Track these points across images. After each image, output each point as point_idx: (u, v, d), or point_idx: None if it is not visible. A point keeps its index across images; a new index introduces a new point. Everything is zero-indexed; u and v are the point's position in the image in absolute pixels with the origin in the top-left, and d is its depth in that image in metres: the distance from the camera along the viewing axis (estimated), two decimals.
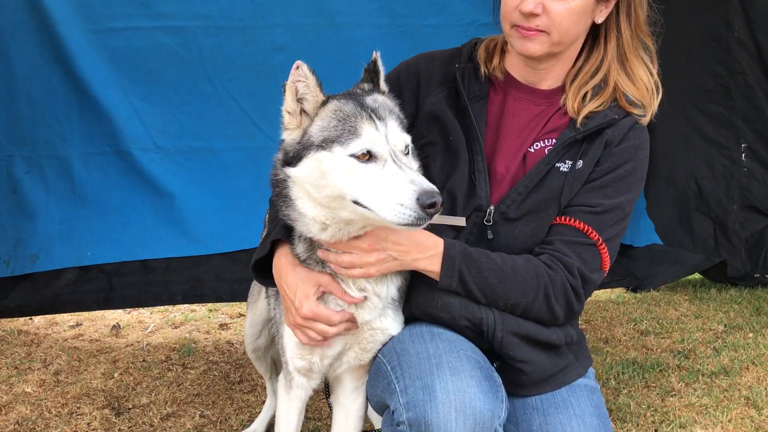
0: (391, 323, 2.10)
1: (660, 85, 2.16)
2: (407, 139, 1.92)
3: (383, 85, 2.07)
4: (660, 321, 4.47)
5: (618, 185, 2.09)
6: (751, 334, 4.16)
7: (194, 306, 5.00)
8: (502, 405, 1.90)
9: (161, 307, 4.89)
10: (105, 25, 4.33)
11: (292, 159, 1.92)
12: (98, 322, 4.70)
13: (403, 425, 1.85)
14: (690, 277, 5.43)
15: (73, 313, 4.71)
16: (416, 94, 2.24)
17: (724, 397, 3.35)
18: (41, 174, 4.41)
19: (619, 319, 4.57)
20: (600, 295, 5.21)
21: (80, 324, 4.64)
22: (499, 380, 1.97)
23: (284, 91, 1.94)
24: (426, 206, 1.70)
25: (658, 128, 5.20)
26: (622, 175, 2.09)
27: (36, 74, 4.31)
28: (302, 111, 1.94)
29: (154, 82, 4.44)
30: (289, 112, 1.94)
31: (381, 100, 1.97)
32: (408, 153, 1.91)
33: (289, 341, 2.14)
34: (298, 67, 1.89)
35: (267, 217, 2.52)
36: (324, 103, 1.93)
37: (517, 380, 2.13)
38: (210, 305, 4.99)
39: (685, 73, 5.17)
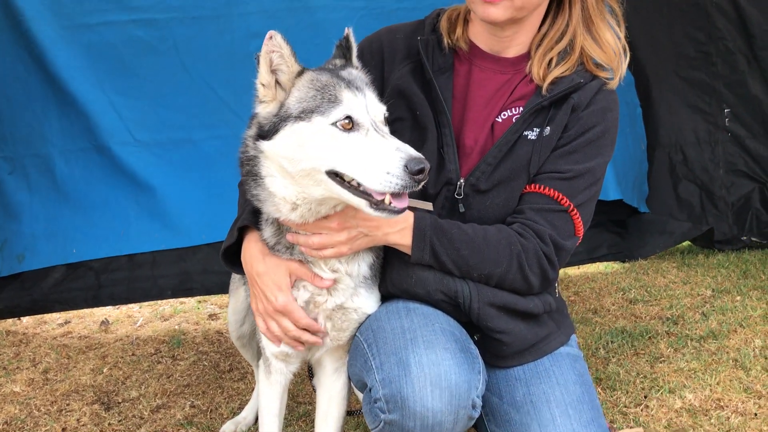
0: (364, 302, 2.09)
1: (627, 47, 2.14)
2: (384, 110, 1.90)
3: (356, 61, 2.03)
4: (648, 289, 4.47)
5: (587, 150, 2.07)
6: (738, 297, 4.17)
7: (184, 298, 4.98)
8: (478, 377, 1.90)
9: (150, 301, 4.87)
10: (78, 20, 4.29)
11: (268, 132, 1.87)
12: (87, 318, 4.69)
13: (381, 402, 1.85)
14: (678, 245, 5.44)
15: (61, 312, 4.69)
16: (381, 70, 2.22)
17: (713, 360, 3.36)
18: (24, 173, 4.39)
19: (608, 288, 4.57)
20: (589, 266, 5.21)
21: (69, 321, 4.63)
22: (476, 352, 1.97)
23: (257, 62, 1.88)
24: (414, 173, 1.67)
25: (640, 97, 5.24)
26: (591, 139, 2.08)
27: (13, 74, 4.27)
28: (277, 83, 1.89)
29: (130, 76, 4.40)
30: (263, 85, 1.89)
31: (356, 73, 1.95)
32: (386, 125, 1.90)
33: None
34: (271, 37, 1.85)
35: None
36: (299, 74, 1.89)
37: (498, 351, 2.13)
38: (199, 297, 4.98)
39: (666, 41, 5.17)
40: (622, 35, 2.15)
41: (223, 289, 4.62)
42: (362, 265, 2.06)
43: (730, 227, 5.19)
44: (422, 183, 1.70)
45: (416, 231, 1.97)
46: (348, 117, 1.78)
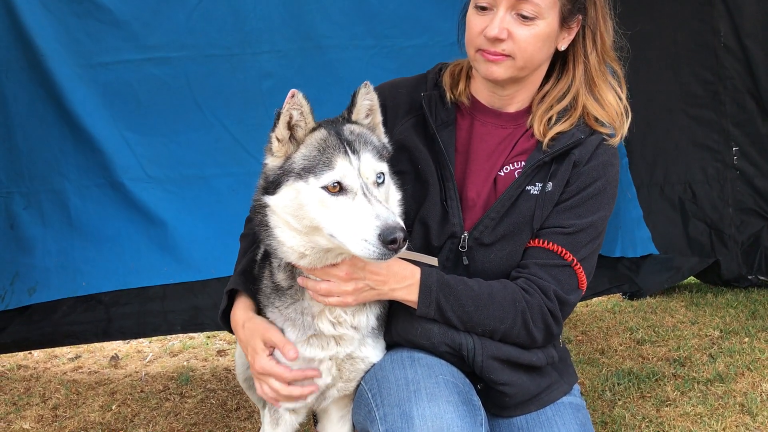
0: (371, 351, 2.12)
1: (629, 109, 2.19)
2: (382, 167, 1.93)
3: (355, 116, 2.05)
4: (656, 329, 4.47)
5: (589, 204, 2.11)
6: (746, 339, 4.16)
7: (193, 333, 5.01)
8: (480, 429, 1.92)
9: (160, 336, 4.91)
10: (94, 60, 4.38)
11: (271, 185, 1.94)
12: (97, 353, 4.73)
13: None
14: (686, 282, 5.43)
15: (72, 346, 4.73)
16: (383, 124, 2.26)
17: (719, 404, 3.35)
18: (39, 208, 4.45)
19: (616, 328, 4.57)
20: (596, 304, 5.22)
21: (79, 356, 4.67)
22: (479, 403, 1.99)
23: (277, 117, 1.95)
24: (387, 242, 1.72)
25: (649, 135, 5.25)
26: (593, 194, 2.12)
27: (31, 111, 4.36)
28: (291, 138, 1.96)
29: (144, 113, 4.48)
30: (278, 139, 1.96)
31: (357, 130, 1.98)
32: (383, 181, 1.93)
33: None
34: (293, 96, 1.92)
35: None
36: (312, 131, 1.96)
37: (501, 402, 2.15)
38: (208, 332, 5.01)
39: (674, 80, 5.20)
40: (623, 96, 2.20)
41: None
42: (371, 317, 2.10)
43: (739, 266, 5.18)
44: (400, 250, 1.75)
45: (422, 287, 2.01)
46: (337, 182, 1.84)
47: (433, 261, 2.05)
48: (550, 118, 2.14)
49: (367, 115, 2.05)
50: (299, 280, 2.04)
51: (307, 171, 1.87)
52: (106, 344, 4.80)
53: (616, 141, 2.18)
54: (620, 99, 2.18)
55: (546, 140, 2.12)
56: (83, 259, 4.48)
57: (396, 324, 2.13)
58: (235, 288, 2.19)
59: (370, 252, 1.74)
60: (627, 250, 5.18)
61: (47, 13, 4.26)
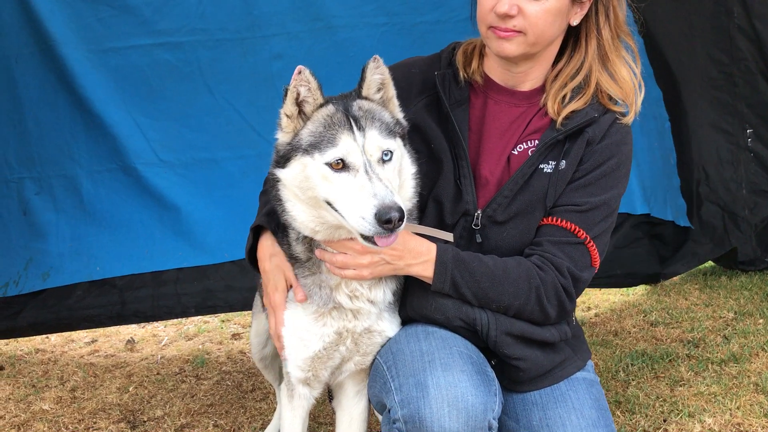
0: (387, 326, 2.16)
1: (643, 83, 2.18)
2: (388, 144, 1.94)
3: (365, 91, 2.06)
4: (670, 311, 4.46)
5: (602, 182, 2.11)
6: (761, 320, 4.14)
7: (207, 317, 5.05)
8: (495, 398, 1.94)
9: (175, 320, 4.94)
10: (105, 45, 4.38)
11: (281, 159, 2.00)
12: (113, 337, 4.77)
13: (399, 422, 1.90)
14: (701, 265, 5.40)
15: (88, 330, 4.78)
16: None
17: (733, 384, 3.34)
18: (51, 194, 4.48)
19: (629, 311, 4.56)
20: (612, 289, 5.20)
21: (96, 340, 4.71)
22: (492, 374, 2.02)
23: (285, 94, 2.00)
24: (383, 221, 1.75)
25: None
26: (606, 172, 2.12)
27: (42, 96, 4.37)
28: (300, 113, 2.00)
29: (156, 98, 4.48)
30: (287, 115, 2.00)
31: (366, 106, 2.00)
32: (390, 159, 1.94)
33: (291, 353, 2.18)
34: (300, 72, 1.96)
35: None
36: (321, 106, 1.99)
37: (515, 377, 2.17)
38: (222, 316, 5.05)
39: (689, 62, 5.13)
40: (638, 71, 2.19)
41: (245, 306, 4.67)
42: (387, 292, 2.13)
43: (753, 248, 5.14)
44: (396, 229, 1.77)
45: (438, 264, 2.03)
46: (340, 159, 1.88)
47: (449, 236, 2.07)
48: (564, 96, 2.14)
49: (379, 90, 2.06)
50: (316, 252, 2.07)
51: (313, 147, 1.92)
52: (121, 328, 4.84)
53: (630, 118, 2.17)
54: (634, 74, 2.17)
55: (560, 119, 2.12)
56: (97, 244, 4.51)
57: (411, 299, 2.15)
58: (260, 225, 2.25)
59: (367, 229, 1.79)
60: (678, 218, 5.14)
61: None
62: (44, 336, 4.73)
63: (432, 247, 2.04)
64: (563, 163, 2.11)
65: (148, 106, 4.48)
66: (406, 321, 2.19)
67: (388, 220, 1.75)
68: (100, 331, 4.81)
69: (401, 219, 1.76)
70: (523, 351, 2.11)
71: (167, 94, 4.48)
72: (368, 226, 1.78)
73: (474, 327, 2.07)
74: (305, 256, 2.11)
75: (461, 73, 2.23)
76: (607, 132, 2.13)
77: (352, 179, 1.86)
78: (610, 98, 2.16)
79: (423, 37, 4.54)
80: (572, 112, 2.12)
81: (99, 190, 4.52)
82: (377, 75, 2.05)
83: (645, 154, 4.92)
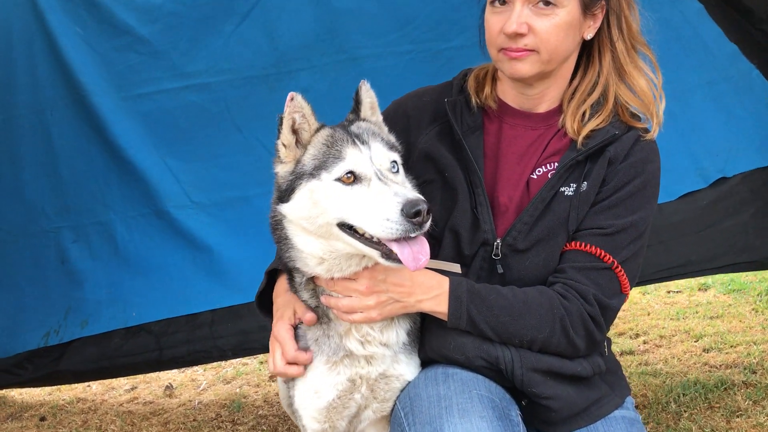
0: (405, 369, 2.03)
1: (663, 93, 2.06)
2: (394, 156, 1.90)
3: (364, 113, 2.03)
4: (722, 335, 4.23)
5: (628, 203, 1.98)
6: None
7: (246, 359, 5.00)
8: None
9: (214, 363, 4.90)
10: (135, 91, 4.41)
11: (285, 193, 1.92)
12: (153, 383, 4.75)
13: None
14: (750, 285, 5.11)
15: (128, 377, 4.76)
16: (406, 134, 2.18)
17: None
18: (87, 241, 4.50)
19: (679, 336, 4.35)
20: (658, 312, 4.97)
21: (135, 387, 4.70)
22: (518, 418, 1.88)
23: (280, 123, 1.95)
24: (411, 215, 1.66)
25: None
26: (632, 192, 1.99)
27: (75, 146, 4.41)
28: (297, 142, 1.94)
29: (186, 140, 4.48)
30: (285, 145, 1.94)
31: (364, 126, 1.96)
32: (397, 171, 1.89)
33: (305, 405, 2.07)
34: (292, 99, 1.92)
35: None
36: (317, 131, 1.94)
37: (547, 417, 2.02)
38: (261, 357, 4.98)
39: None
40: (658, 82, 2.08)
41: None
42: (400, 333, 2.01)
43: None
44: (425, 225, 1.68)
45: (452, 298, 1.91)
46: (350, 172, 1.80)
47: (456, 268, 1.95)
48: (583, 114, 2.03)
49: (375, 111, 2.04)
50: (322, 299, 1.98)
51: (319, 168, 1.85)
52: (162, 374, 4.82)
53: (653, 133, 2.05)
54: (654, 85, 2.06)
55: (581, 138, 2.00)
56: (132, 290, 4.50)
57: (429, 339, 2.02)
58: (275, 268, 2.20)
59: (393, 231, 1.69)
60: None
61: (89, 50, 4.31)
62: (86, 384, 4.73)
63: (444, 281, 1.92)
64: (585, 184, 1.98)
65: (178, 149, 4.48)
66: (426, 362, 2.06)
67: (417, 212, 1.66)
68: (140, 377, 4.80)
69: (429, 212, 1.67)
70: (554, 389, 1.96)
71: (197, 135, 4.48)
72: (395, 226, 1.68)
73: (497, 366, 1.93)
74: (313, 302, 2.01)
75: (474, 99, 2.14)
76: (630, 150, 2.00)
77: (366, 189, 1.78)
78: (633, 115, 2.05)
79: (449, 63, 4.45)
80: (593, 130, 2.00)
81: (133, 235, 4.53)
82: (368, 98, 2.02)
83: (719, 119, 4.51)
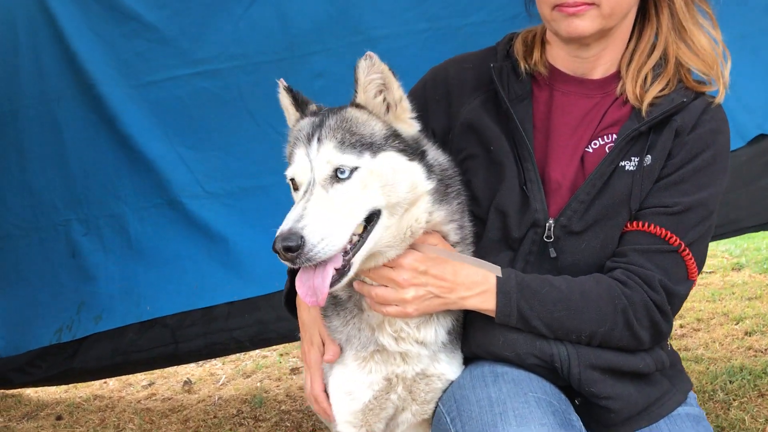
0: (446, 368, 1.86)
1: (728, 51, 1.88)
2: (344, 160, 1.66)
3: (360, 97, 1.80)
4: (764, 317, 4.05)
5: (697, 178, 1.80)
6: None
7: (265, 351, 4.87)
8: None
9: (232, 356, 4.79)
10: (144, 79, 4.29)
11: None
12: (171, 378, 4.63)
13: None
14: None
15: (146, 372, 4.64)
16: (446, 105, 2.00)
17: None
18: (98, 234, 4.40)
19: (718, 319, 4.17)
20: (693, 293, 4.79)
21: (153, 383, 4.58)
22: (579, 424, 1.71)
23: None
24: (273, 249, 1.52)
25: None
26: (701, 166, 1.80)
27: (84, 137, 4.32)
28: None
29: (198, 128, 4.36)
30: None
31: (348, 116, 1.75)
32: (349, 177, 1.65)
33: (339, 408, 1.91)
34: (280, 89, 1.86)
35: None
36: (298, 121, 1.83)
37: (605, 419, 1.84)
38: (281, 349, 4.85)
39: None
40: (719, 38, 1.89)
41: (299, 335, 4.47)
42: (440, 331, 1.84)
43: None
44: (293, 262, 1.52)
45: (499, 294, 1.73)
46: (292, 179, 1.69)
47: (497, 270, 1.76)
48: (645, 77, 1.84)
49: (381, 92, 1.77)
50: (355, 284, 1.81)
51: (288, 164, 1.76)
52: (179, 369, 4.70)
53: (721, 97, 1.86)
54: (716, 42, 1.87)
55: (645, 104, 1.82)
56: (146, 283, 4.38)
57: (474, 334, 1.85)
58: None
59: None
60: None
61: (96, 38, 4.20)
62: (102, 381, 4.61)
63: (489, 275, 1.75)
64: (648, 158, 1.80)
65: (190, 138, 4.35)
66: (469, 359, 1.89)
67: (281, 248, 1.50)
68: (157, 372, 4.68)
69: (291, 251, 1.49)
70: (614, 388, 1.78)
71: (209, 123, 4.35)
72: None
73: (552, 364, 1.76)
74: (345, 294, 1.83)
75: (522, 65, 1.95)
76: (699, 120, 1.82)
77: (297, 199, 1.65)
78: (698, 81, 1.86)
79: (468, 40, 4.28)
80: (656, 97, 1.82)
81: (146, 227, 4.41)
82: (374, 75, 1.78)
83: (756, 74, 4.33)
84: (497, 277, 1.74)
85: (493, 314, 1.75)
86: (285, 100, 1.85)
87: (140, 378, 4.66)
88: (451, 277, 1.73)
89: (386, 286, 1.75)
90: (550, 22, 1.87)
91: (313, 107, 1.87)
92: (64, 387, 4.49)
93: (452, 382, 1.85)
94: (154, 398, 4.29)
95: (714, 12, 1.92)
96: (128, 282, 4.39)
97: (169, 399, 4.24)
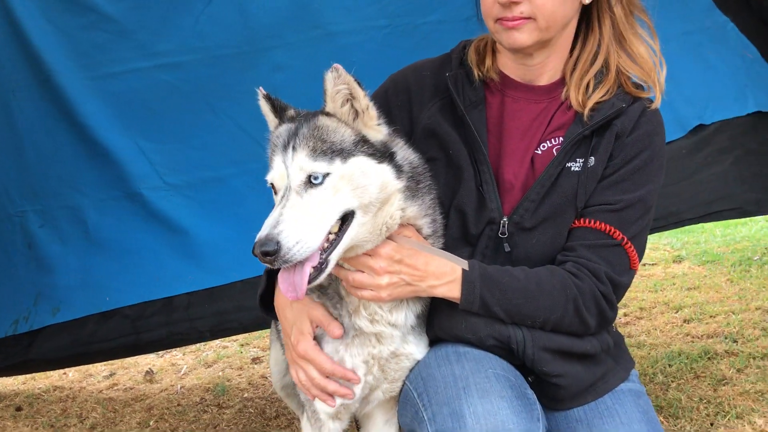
0: (414, 348, 2.00)
1: (663, 60, 2.04)
2: (316, 167, 1.76)
3: (329, 106, 1.90)
4: (701, 306, 4.31)
5: (636, 177, 1.96)
6: None
7: (226, 342, 4.94)
8: (538, 424, 1.80)
9: (193, 347, 4.85)
10: (103, 70, 4.27)
11: None
12: (132, 369, 4.66)
13: None
14: (727, 254, 5.23)
15: (106, 363, 4.67)
16: (408, 110, 2.12)
17: None
18: (55, 226, 4.37)
19: (659, 308, 4.41)
20: (637, 284, 5.04)
21: (114, 373, 4.61)
22: (534, 397, 1.86)
23: None
24: (253, 253, 1.65)
25: None
26: (639, 166, 1.97)
27: (42, 128, 4.27)
28: None
29: (158, 120, 4.36)
30: None
31: (320, 123, 1.85)
32: (321, 182, 1.75)
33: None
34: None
35: None
36: (276, 128, 1.93)
37: (555, 394, 2.01)
38: (241, 339, 4.93)
39: None
40: (656, 47, 2.05)
41: (259, 325, 4.55)
42: (410, 315, 1.98)
43: None
44: (274, 263, 1.65)
45: (465, 284, 1.87)
46: (271, 184, 1.81)
47: (464, 264, 1.90)
48: (587, 85, 1.99)
49: (348, 101, 1.87)
50: (334, 269, 1.90)
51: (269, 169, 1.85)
52: (140, 359, 4.74)
53: (657, 102, 2.03)
54: (653, 51, 2.03)
55: (587, 110, 1.97)
56: (105, 274, 4.38)
57: (439, 319, 1.99)
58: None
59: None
60: (765, 105, 4.74)
61: (53, 29, 4.16)
62: (62, 372, 4.62)
63: (457, 267, 1.89)
64: (592, 159, 1.96)
65: (150, 130, 4.36)
66: (433, 341, 2.03)
67: (259, 253, 1.63)
68: (118, 362, 4.70)
69: (269, 255, 1.63)
70: (563, 367, 1.95)
71: (169, 115, 4.36)
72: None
73: (509, 345, 1.91)
74: (326, 281, 1.94)
75: (475, 72, 2.08)
76: (637, 123, 1.98)
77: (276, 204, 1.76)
78: (636, 86, 2.02)
79: (427, 38, 4.40)
80: (598, 103, 1.97)
81: (105, 218, 4.40)
82: (341, 86, 1.86)
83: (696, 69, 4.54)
84: (463, 269, 1.88)
85: (458, 302, 1.89)
86: (264, 107, 1.94)
87: (100, 369, 4.68)
88: (423, 267, 1.86)
89: (363, 272, 1.86)
90: (494, 33, 2.00)
91: (291, 112, 1.96)
92: (21, 378, 4.49)
93: (418, 361, 1.99)
94: (115, 388, 4.33)
95: (652, 22, 2.08)
96: (87, 273, 4.38)
97: (131, 389, 4.29)
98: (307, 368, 1.95)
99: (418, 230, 1.93)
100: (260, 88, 1.96)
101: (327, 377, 1.95)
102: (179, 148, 4.41)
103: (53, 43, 4.16)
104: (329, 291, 1.97)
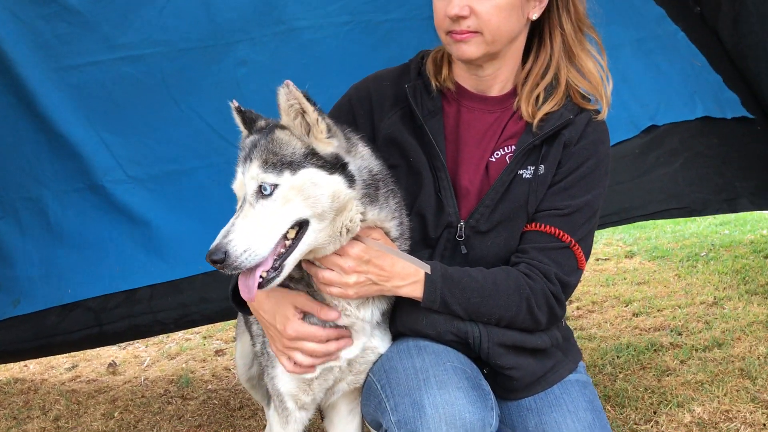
0: (379, 342, 2.12)
1: (610, 75, 2.17)
2: (265, 178, 1.83)
3: (284, 119, 1.95)
4: (650, 300, 4.50)
5: (582, 184, 2.10)
6: (740, 304, 4.19)
7: (189, 335, 4.98)
8: (492, 413, 1.92)
9: (156, 339, 4.87)
10: (65, 62, 4.24)
11: None
12: (94, 361, 4.68)
13: None
14: (676, 250, 5.45)
15: (68, 355, 4.68)
16: (370, 119, 2.22)
17: (719, 370, 3.37)
18: (16, 217, 4.35)
19: (610, 302, 4.59)
20: (588, 279, 5.23)
21: (76, 366, 4.62)
22: (488, 388, 1.99)
23: None
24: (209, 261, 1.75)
25: None
26: (585, 173, 2.11)
27: (2, 119, 4.24)
28: None
29: (121, 113, 4.36)
30: None
31: (276, 136, 1.91)
32: (271, 193, 1.82)
33: (285, 378, 2.13)
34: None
35: None
36: (245, 139, 2.01)
37: (508, 386, 2.15)
38: (204, 332, 4.97)
39: None
40: (604, 63, 2.18)
41: (223, 316, 4.59)
42: (376, 312, 2.08)
43: None
44: (223, 270, 1.74)
45: (427, 284, 1.99)
46: (234, 191, 1.91)
47: (426, 268, 2.01)
48: (537, 97, 2.12)
49: (299, 115, 1.92)
50: (304, 264, 2.01)
51: None
52: (102, 351, 4.76)
53: (603, 114, 2.17)
54: (601, 66, 2.17)
55: (536, 121, 2.09)
56: (67, 267, 4.38)
57: (401, 315, 2.11)
58: None
59: None
60: (712, 111, 4.70)
61: (13, 18, 4.12)
62: (23, 364, 4.62)
63: (419, 270, 2.00)
64: (542, 167, 2.09)
65: (113, 122, 4.36)
66: (395, 336, 2.16)
67: (210, 261, 1.75)
68: (80, 355, 4.72)
69: (219, 262, 1.73)
70: (516, 360, 2.09)
71: (132, 108, 4.36)
72: None
73: (466, 340, 2.05)
74: (297, 274, 2.03)
75: (433, 82, 2.19)
76: (583, 132, 2.12)
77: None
78: (584, 98, 2.15)
79: (388, 35, 4.47)
80: (547, 114, 2.10)
81: (66, 211, 4.39)
82: (292, 101, 1.90)
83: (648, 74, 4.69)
84: (425, 273, 1.99)
85: (420, 300, 2.00)
86: (236, 119, 2.01)
87: (62, 361, 4.69)
88: (389, 268, 1.96)
89: (332, 270, 1.96)
90: (446, 45, 2.12)
91: (261, 123, 2.01)
92: None
93: (381, 355, 2.11)
94: (78, 380, 4.35)
95: (600, 37, 2.21)
96: (48, 266, 4.38)
97: (95, 381, 4.31)
98: (303, 345, 2.01)
99: (387, 233, 2.03)
100: (233, 101, 2.00)
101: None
102: (142, 141, 4.42)
103: (14, 34, 4.12)
104: (299, 286, 2.06)
